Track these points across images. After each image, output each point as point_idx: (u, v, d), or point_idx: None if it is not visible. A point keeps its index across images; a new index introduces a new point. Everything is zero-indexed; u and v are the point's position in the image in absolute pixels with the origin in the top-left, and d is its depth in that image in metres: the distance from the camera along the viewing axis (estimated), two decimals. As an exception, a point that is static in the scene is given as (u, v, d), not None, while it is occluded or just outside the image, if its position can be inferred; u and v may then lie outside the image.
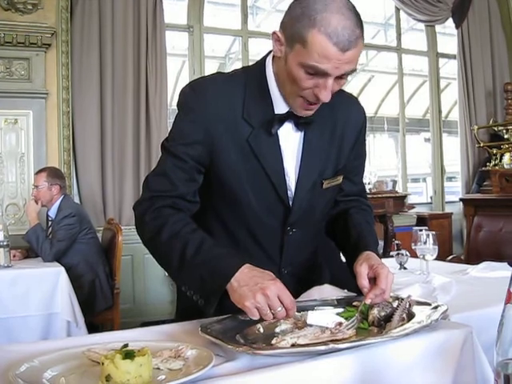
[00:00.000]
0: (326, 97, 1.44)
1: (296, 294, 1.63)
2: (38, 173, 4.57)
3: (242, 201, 1.61)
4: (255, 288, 1.30)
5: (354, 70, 1.45)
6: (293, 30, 1.41)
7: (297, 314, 1.40)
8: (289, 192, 1.63)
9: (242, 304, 1.30)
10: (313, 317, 1.35)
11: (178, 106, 1.63)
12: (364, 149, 1.85)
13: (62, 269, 3.86)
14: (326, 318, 1.35)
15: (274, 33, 1.49)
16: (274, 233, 1.67)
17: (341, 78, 1.44)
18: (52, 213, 4.48)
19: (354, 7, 1.41)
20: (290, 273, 1.72)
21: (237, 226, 1.67)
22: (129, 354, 1.05)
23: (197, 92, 1.59)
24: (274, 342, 1.22)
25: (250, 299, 1.29)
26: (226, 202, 1.65)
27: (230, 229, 1.68)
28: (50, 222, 4.51)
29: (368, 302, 1.45)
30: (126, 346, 1.12)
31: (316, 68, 1.39)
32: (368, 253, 1.58)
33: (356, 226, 1.75)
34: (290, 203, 1.63)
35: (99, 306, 4.42)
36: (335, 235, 1.86)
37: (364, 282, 1.49)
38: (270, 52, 1.60)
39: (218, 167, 1.59)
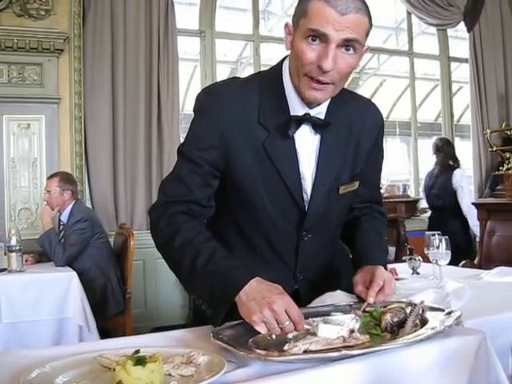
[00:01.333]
0: (327, 64, 1.41)
1: (311, 299, 1.64)
2: (50, 178, 4.59)
3: (256, 205, 1.61)
4: (262, 302, 1.29)
5: (357, 42, 1.43)
6: (298, 12, 1.47)
7: (309, 320, 1.40)
8: (304, 196, 1.62)
9: (250, 318, 1.30)
10: (322, 330, 1.34)
11: (194, 110, 1.64)
12: (381, 155, 1.84)
13: (74, 274, 3.87)
14: (335, 330, 1.33)
15: (287, 24, 1.51)
16: (289, 238, 1.66)
17: (345, 49, 1.43)
18: (64, 217, 4.50)
19: None
20: (306, 278, 1.71)
21: (252, 231, 1.67)
22: (140, 360, 1.05)
23: (212, 96, 1.59)
24: (286, 348, 1.21)
25: (257, 313, 1.28)
26: (241, 207, 1.64)
27: (246, 234, 1.68)
28: (61, 227, 4.53)
29: (371, 301, 1.47)
30: (137, 351, 1.11)
31: (316, 31, 1.41)
32: (368, 267, 1.60)
33: (362, 234, 1.78)
34: (306, 207, 1.62)
35: (111, 311, 4.43)
36: (346, 242, 1.87)
37: (358, 287, 1.55)
38: (287, 57, 1.60)
39: (233, 171, 1.58)
